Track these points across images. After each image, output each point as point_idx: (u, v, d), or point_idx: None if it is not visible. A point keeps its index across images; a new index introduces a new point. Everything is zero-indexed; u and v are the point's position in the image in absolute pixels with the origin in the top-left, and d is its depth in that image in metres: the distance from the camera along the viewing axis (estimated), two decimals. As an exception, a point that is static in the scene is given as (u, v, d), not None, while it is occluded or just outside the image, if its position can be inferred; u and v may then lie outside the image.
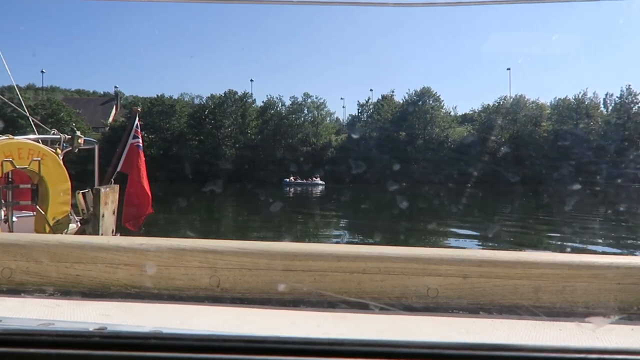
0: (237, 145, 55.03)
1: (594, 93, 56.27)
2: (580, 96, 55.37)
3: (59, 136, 5.82)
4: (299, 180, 47.80)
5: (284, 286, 1.23)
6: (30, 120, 6.79)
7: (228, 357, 0.70)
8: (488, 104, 58.28)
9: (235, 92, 57.79)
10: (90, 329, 0.76)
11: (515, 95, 57.99)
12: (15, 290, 1.21)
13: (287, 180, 47.61)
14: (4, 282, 1.22)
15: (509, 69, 62.27)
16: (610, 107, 56.42)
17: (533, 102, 57.18)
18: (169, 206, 21.78)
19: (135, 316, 1.14)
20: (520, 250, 1.45)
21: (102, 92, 71.29)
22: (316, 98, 59.05)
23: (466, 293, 1.23)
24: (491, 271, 1.23)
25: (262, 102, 59.20)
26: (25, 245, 1.24)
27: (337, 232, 19.96)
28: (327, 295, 1.22)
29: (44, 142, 5.62)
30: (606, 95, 56.83)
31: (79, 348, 0.70)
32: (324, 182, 46.76)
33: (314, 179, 47.74)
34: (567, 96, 56.99)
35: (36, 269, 1.23)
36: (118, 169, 6.38)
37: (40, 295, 1.20)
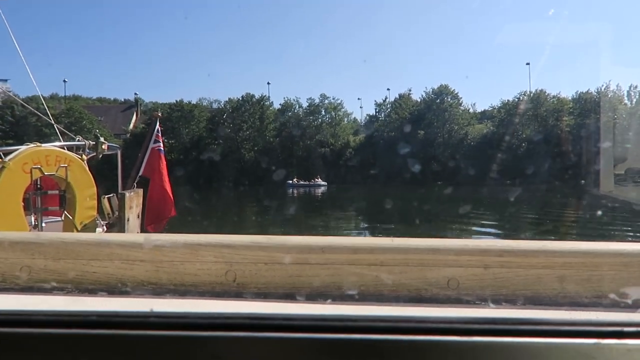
0: (256, 148, 55.34)
1: (617, 85, 55.10)
2: (603, 89, 54.25)
3: (83, 143, 5.96)
4: (302, 182, 48.47)
5: (301, 280, 1.22)
6: (56, 128, 6.97)
7: (234, 334, 0.69)
8: (508, 100, 57.56)
9: (253, 96, 58.14)
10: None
11: (536, 90, 57.11)
12: (33, 287, 1.21)
13: (291, 181, 48.46)
14: (23, 280, 1.23)
15: (528, 63, 61.47)
16: (635, 100, 55.08)
17: (554, 97, 56.21)
18: (187, 209, 22.23)
19: None
20: (543, 240, 1.41)
21: (122, 99, 72.40)
22: (333, 99, 59.11)
23: (488, 284, 1.20)
24: (513, 261, 1.20)
25: (280, 104, 59.51)
26: (43, 243, 1.24)
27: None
28: (344, 288, 1.21)
29: (69, 148, 5.77)
30: (630, 87, 55.60)
31: (78, 327, 0.70)
32: (326, 183, 47.68)
33: (317, 180, 48.52)
34: (589, 89, 55.96)
35: (54, 266, 1.23)
36: (140, 173, 6.51)
37: (58, 292, 1.21)
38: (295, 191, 45.34)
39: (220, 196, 38.47)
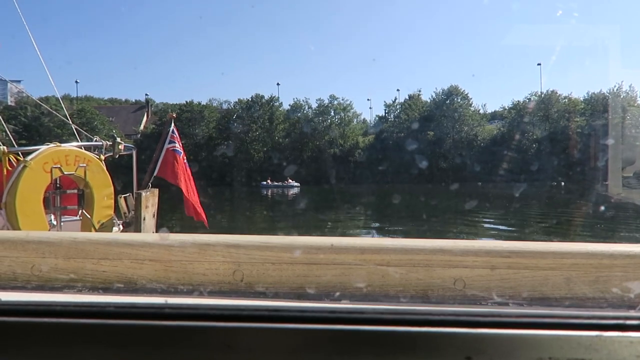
0: (265, 149, 55.53)
1: (630, 86, 54.52)
2: (615, 90, 53.70)
3: (101, 143, 6.11)
4: (275, 183, 49.54)
5: (308, 280, 1.22)
6: (73, 128, 7.13)
7: (246, 325, 0.71)
8: (518, 101, 57.19)
9: (262, 96, 58.35)
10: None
11: (547, 91, 56.69)
12: (44, 286, 1.23)
13: (264, 182, 49.52)
14: (34, 279, 1.25)
15: (539, 64, 61.04)
16: (648, 100, 54.40)
17: (565, 98, 55.75)
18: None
19: None
20: (551, 241, 1.44)
21: (133, 100, 72.78)
22: (342, 99, 59.09)
23: (494, 285, 1.19)
24: (520, 262, 1.19)
25: (289, 105, 59.65)
26: (53, 242, 1.26)
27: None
28: (351, 288, 1.22)
29: (87, 148, 5.91)
30: (643, 87, 54.93)
31: (97, 317, 0.73)
32: (299, 184, 48.61)
33: (289, 181, 49.62)
34: (601, 90, 55.48)
35: (64, 265, 1.24)
36: (155, 174, 6.63)
37: (68, 291, 1.23)
38: (269, 192, 46.55)
39: (224, 194, 39.28)
